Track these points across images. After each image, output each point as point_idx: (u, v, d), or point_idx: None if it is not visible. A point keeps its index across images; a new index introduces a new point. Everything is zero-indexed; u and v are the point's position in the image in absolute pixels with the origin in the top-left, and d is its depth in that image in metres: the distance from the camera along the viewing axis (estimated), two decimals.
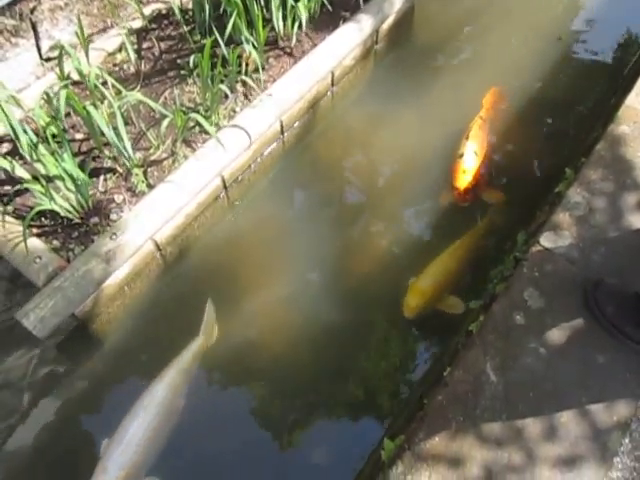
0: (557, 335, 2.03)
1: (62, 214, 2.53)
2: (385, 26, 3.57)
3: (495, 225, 2.80)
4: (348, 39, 3.29)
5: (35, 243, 2.47)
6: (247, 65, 3.07)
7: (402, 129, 3.28)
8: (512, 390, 1.88)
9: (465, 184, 2.81)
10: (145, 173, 2.72)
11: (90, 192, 2.60)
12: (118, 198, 2.65)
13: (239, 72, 3.01)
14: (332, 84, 3.37)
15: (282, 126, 3.09)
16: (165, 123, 2.70)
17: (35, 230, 2.56)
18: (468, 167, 2.86)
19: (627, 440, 1.87)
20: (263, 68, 3.14)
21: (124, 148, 2.62)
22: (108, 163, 2.75)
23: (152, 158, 2.78)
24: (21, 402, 2.56)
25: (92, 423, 2.49)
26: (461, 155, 2.90)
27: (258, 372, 2.54)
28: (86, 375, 2.63)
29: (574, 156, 2.87)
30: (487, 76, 3.49)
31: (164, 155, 2.80)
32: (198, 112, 2.85)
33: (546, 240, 2.30)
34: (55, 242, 2.54)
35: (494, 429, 1.82)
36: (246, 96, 3.06)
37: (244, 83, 3.09)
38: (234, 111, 2.99)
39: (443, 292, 2.51)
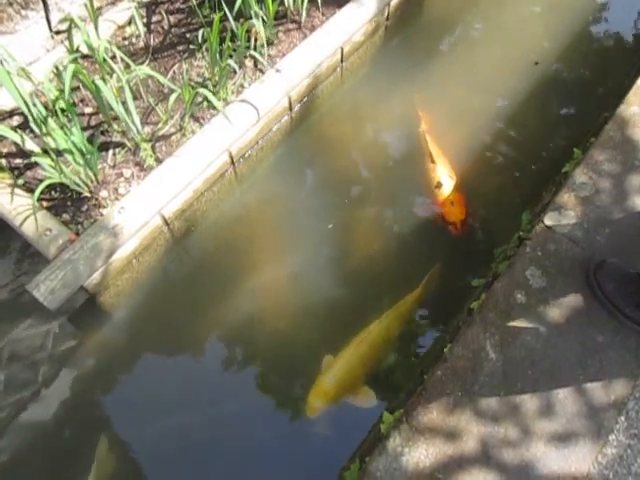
0: (557, 314, 2.05)
1: (71, 187, 2.56)
2: (396, 1, 3.52)
3: (430, 290, 2.58)
4: (359, 14, 3.25)
5: (45, 216, 2.52)
6: (256, 40, 3.05)
7: (410, 107, 3.25)
8: (510, 367, 1.92)
9: (459, 216, 2.66)
10: (153, 148, 2.74)
11: (99, 166, 2.63)
12: (127, 172, 2.68)
13: (248, 47, 3.00)
14: (341, 60, 3.34)
15: (290, 102, 3.08)
16: (173, 98, 2.71)
17: (45, 203, 2.60)
18: (453, 196, 2.69)
19: (623, 418, 1.91)
20: (272, 43, 3.12)
21: (132, 122, 2.64)
22: (117, 137, 2.77)
23: (160, 133, 2.80)
24: (36, 375, 2.63)
25: (102, 395, 2.57)
26: (439, 185, 2.73)
27: (259, 347, 2.59)
28: (95, 347, 2.70)
29: (583, 137, 2.85)
30: (499, 55, 3.45)
31: (172, 130, 2.82)
32: (206, 87, 2.85)
33: (550, 220, 2.30)
34: (65, 215, 2.58)
35: (491, 405, 1.86)
36: (254, 72, 3.05)
37: (253, 58, 3.07)
38: (242, 86, 2.98)
39: (355, 384, 2.33)
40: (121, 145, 2.75)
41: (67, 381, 2.60)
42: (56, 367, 2.64)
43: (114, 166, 2.70)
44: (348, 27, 3.23)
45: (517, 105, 3.25)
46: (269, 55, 3.10)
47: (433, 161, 2.80)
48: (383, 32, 3.60)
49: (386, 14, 3.54)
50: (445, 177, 2.77)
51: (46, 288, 2.33)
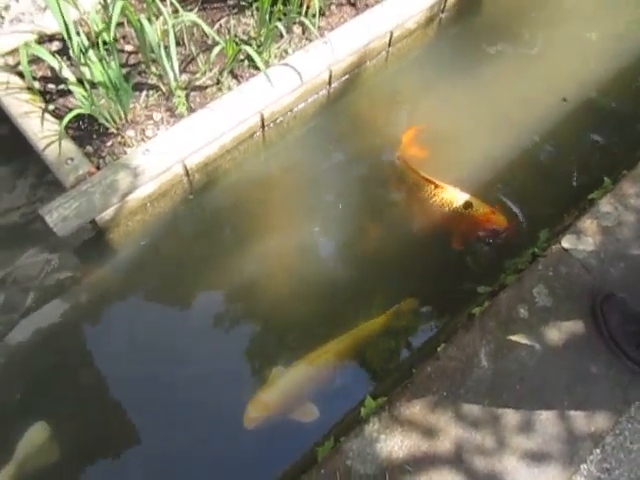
0: (556, 336, 2.04)
1: (100, 121, 2.56)
2: None
3: (400, 321, 2.51)
4: (415, 2, 3.19)
5: (69, 145, 2.52)
6: (308, 8, 3.00)
7: (449, 105, 3.21)
8: (500, 378, 1.92)
9: (505, 220, 2.57)
10: (187, 96, 2.73)
11: (130, 105, 2.62)
12: (156, 116, 2.67)
13: (299, 13, 2.96)
14: (389, 44, 3.29)
15: (331, 76, 3.05)
16: (216, 50, 2.69)
17: (71, 132, 2.60)
18: (487, 206, 2.60)
19: (598, 451, 1.91)
20: (323, 14, 3.08)
21: (171, 68, 2.62)
22: (153, 80, 2.75)
23: (197, 83, 2.78)
24: (26, 300, 2.65)
25: (91, 330, 2.58)
26: (468, 205, 2.58)
27: (253, 312, 2.59)
28: (94, 283, 2.72)
29: (615, 168, 2.80)
30: (543, 72, 3.37)
31: (209, 82, 2.80)
32: (250, 46, 2.82)
33: (568, 242, 2.28)
34: (88, 147, 2.58)
35: (473, 411, 1.87)
36: (301, 39, 3.01)
37: (301, 25, 3.03)
38: (286, 52, 2.95)
39: (299, 401, 2.26)
40: (155, 88, 2.74)
41: (58, 310, 2.61)
42: (50, 295, 2.65)
43: (145, 108, 2.69)
44: (402, 12, 3.18)
45: (553, 123, 3.19)
46: (318, 26, 3.05)
47: (438, 186, 2.62)
48: (436, 24, 3.53)
49: (442, 7, 3.48)
50: (463, 194, 2.63)
51: (58, 215, 2.34)
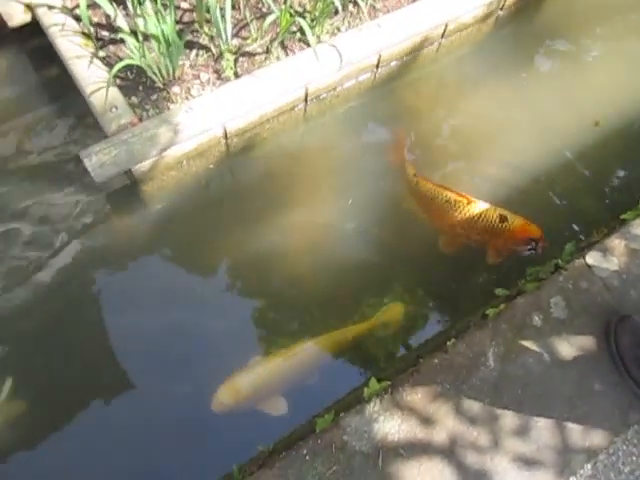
0: (566, 349, 2.05)
1: (148, 74, 2.60)
2: None
3: (387, 325, 2.49)
4: None
5: (115, 94, 2.57)
6: None
7: (494, 105, 3.17)
8: (504, 380, 1.95)
9: (539, 230, 2.52)
10: (236, 61, 2.75)
11: (179, 62, 2.65)
12: (203, 77, 2.70)
13: None
14: (442, 36, 3.26)
15: (379, 60, 3.03)
16: (270, 19, 2.70)
17: (118, 81, 2.64)
18: (520, 217, 2.55)
19: (589, 466, 1.93)
20: None
21: (224, 30, 2.64)
22: (204, 40, 2.78)
23: (247, 49, 2.80)
24: (53, 238, 2.72)
25: (110, 275, 2.67)
26: (503, 218, 2.50)
27: (269, 282, 2.65)
28: (121, 230, 2.80)
29: None
30: (595, 85, 3.30)
31: (259, 50, 2.81)
32: (304, 19, 2.82)
33: (592, 259, 2.27)
34: (133, 98, 2.63)
35: (473, 407, 1.90)
36: (355, 19, 3.00)
37: (357, 5, 3.01)
38: (338, 30, 2.94)
39: (270, 393, 2.26)
40: (206, 49, 2.77)
41: (82, 252, 2.70)
42: (77, 237, 2.73)
43: (193, 67, 2.72)
44: (459, 5, 3.13)
45: (596, 137, 3.14)
46: (374, 7, 3.03)
47: (470, 201, 2.55)
48: (492, 21, 3.48)
49: (502, 4, 3.42)
50: (493, 207, 2.55)
51: (97, 161, 2.40)
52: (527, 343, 2.02)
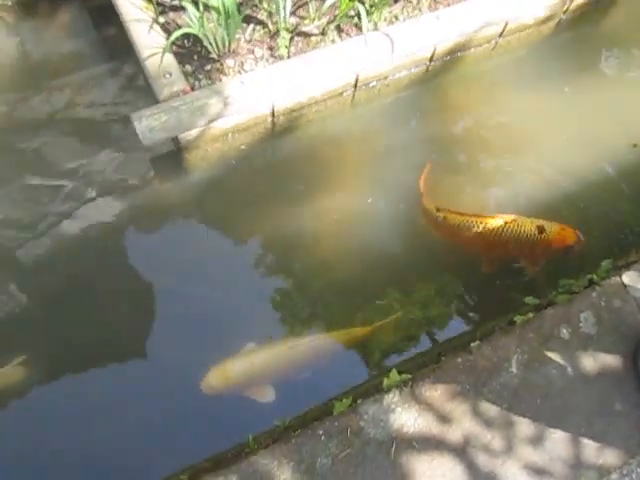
0: (591, 365, 2.04)
1: (204, 44, 2.62)
2: (581, 1, 3.29)
3: (384, 334, 2.47)
4: None
5: (170, 60, 2.60)
6: None
7: (542, 111, 3.10)
8: (524, 388, 1.95)
9: (575, 235, 2.52)
10: (291, 40, 2.75)
11: (236, 36, 2.67)
12: (258, 52, 2.71)
13: None
14: (500, 34, 3.19)
15: (434, 53, 3.00)
16: (330, 1, 2.68)
17: (174, 49, 2.67)
18: (556, 224, 2.54)
19: None
20: None
21: (283, 7, 2.64)
22: (262, 16, 2.78)
23: (303, 29, 2.80)
24: (91, 194, 2.79)
25: (140, 237, 2.74)
26: (541, 229, 2.48)
27: (294, 262, 2.68)
28: (159, 194, 2.84)
29: None
30: None
31: (315, 31, 2.81)
32: (364, 4, 2.79)
33: (628, 278, 2.23)
34: (187, 67, 2.66)
35: (491, 411, 1.91)
36: (414, 9, 2.96)
37: None
38: (396, 18, 2.91)
39: (260, 382, 2.28)
40: (263, 25, 2.77)
41: (117, 211, 2.76)
42: (115, 195, 2.79)
43: (249, 42, 2.73)
44: (522, 5, 3.06)
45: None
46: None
47: (507, 220, 2.52)
48: (554, 25, 3.39)
49: (566, 8, 3.33)
50: (529, 220, 2.53)
51: (147, 124, 2.44)
52: (552, 354, 2.01)
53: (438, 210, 2.60)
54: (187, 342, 2.41)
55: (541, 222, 2.52)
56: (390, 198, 2.84)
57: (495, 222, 2.51)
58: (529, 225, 2.49)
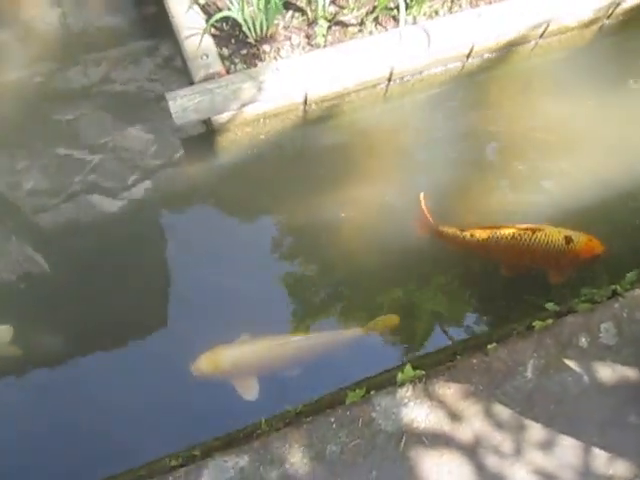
0: (608, 375, 2.02)
1: (242, 28, 2.63)
2: (626, 6, 3.21)
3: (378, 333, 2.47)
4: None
5: (208, 42, 2.62)
6: None
7: (579, 116, 3.05)
8: (538, 393, 1.95)
9: (601, 245, 2.49)
10: (328, 29, 2.74)
11: (274, 21, 2.67)
12: (295, 39, 2.71)
13: None
14: (541, 35, 3.13)
15: (471, 51, 2.96)
16: None
17: (213, 31, 2.69)
18: (582, 234, 2.51)
19: None
20: None
21: None
22: (301, 3, 2.78)
23: (341, 18, 2.79)
24: (117, 169, 2.84)
25: (166, 219, 2.79)
26: (568, 239, 2.45)
27: (316, 250, 2.69)
28: (186, 174, 2.88)
29: None
30: None
31: (352, 21, 2.80)
32: None
33: None
34: (224, 50, 2.68)
35: (503, 413, 1.92)
36: (453, 5, 2.92)
37: None
38: (436, 13, 2.88)
39: (247, 374, 2.32)
40: (302, 12, 2.77)
41: (143, 188, 2.81)
42: (143, 172, 2.83)
43: (287, 28, 2.74)
44: (565, 7, 3.00)
45: None
46: None
47: (535, 230, 2.49)
48: (597, 29, 3.31)
49: (610, 12, 3.25)
50: (557, 230, 2.50)
51: (181, 104, 2.47)
52: (569, 362, 2.01)
53: (462, 230, 2.57)
54: (200, 323, 2.45)
55: (568, 232, 2.49)
56: (415, 193, 2.82)
57: (522, 232, 2.49)
58: (556, 235, 2.47)
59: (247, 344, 2.38)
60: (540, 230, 2.49)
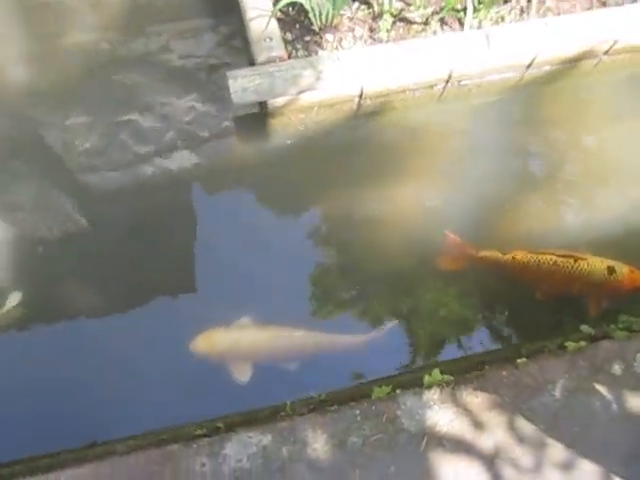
0: (638, 406, 2.00)
1: (308, 15, 2.64)
2: None
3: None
4: None
5: (273, 25, 2.64)
6: None
7: (636, 142, 2.98)
8: (565, 414, 1.93)
9: None
10: (393, 24, 2.74)
11: (340, 12, 2.67)
12: (358, 31, 2.71)
13: None
14: (606, 52, 3.06)
15: (533, 61, 2.92)
16: None
17: (278, 14, 2.70)
18: (625, 266, 2.45)
19: None
20: None
21: None
22: None
23: (407, 15, 2.78)
24: (165, 137, 2.88)
25: (203, 193, 2.83)
26: (610, 270, 2.41)
27: (353, 246, 2.69)
28: (234, 153, 2.91)
29: None
30: None
31: (417, 19, 2.79)
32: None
33: None
34: (288, 35, 2.70)
35: (526, 428, 1.91)
36: (522, 13, 2.88)
37: None
38: (502, 19, 2.85)
39: (242, 359, 2.32)
40: (368, 5, 2.77)
41: (188, 161, 2.85)
42: (190, 144, 2.88)
43: (351, 19, 2.74)
44: (634, 25, 2.92)
45: None
46: (546, 6, 2.90)
47: (578, 258, 2.43)
48: None
49: None
50: (599, 259, 2.45)
51: (241, 84, 2.50)
52: (600, 387, 1.99)
53: (504, 254, 2.53)
54: (224, 301, 2.49)
55: (611, 262, 2.44)
56: (458, 198, 2.82)
57: (564, 260, 2.44)
58: (599, 265, 2.42)
59: (245, 330, 2.40)
60: (583, 259, 2.44)
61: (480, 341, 2.53)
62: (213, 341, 2.35)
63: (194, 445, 1.80)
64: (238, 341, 2.38)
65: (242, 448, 1.79)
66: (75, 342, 2.45)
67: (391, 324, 2.47)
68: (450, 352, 2.48)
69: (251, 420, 1.97)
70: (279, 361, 2.38)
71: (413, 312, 2.58)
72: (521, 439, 1.91)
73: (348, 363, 2.44)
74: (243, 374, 2.29)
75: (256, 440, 1.80)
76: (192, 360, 2.34)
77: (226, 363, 2.33)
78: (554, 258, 2.46)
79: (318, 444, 1.79)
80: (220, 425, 1.93)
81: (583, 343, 2.12)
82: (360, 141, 2.91)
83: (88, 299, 2.61)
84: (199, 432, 1.89)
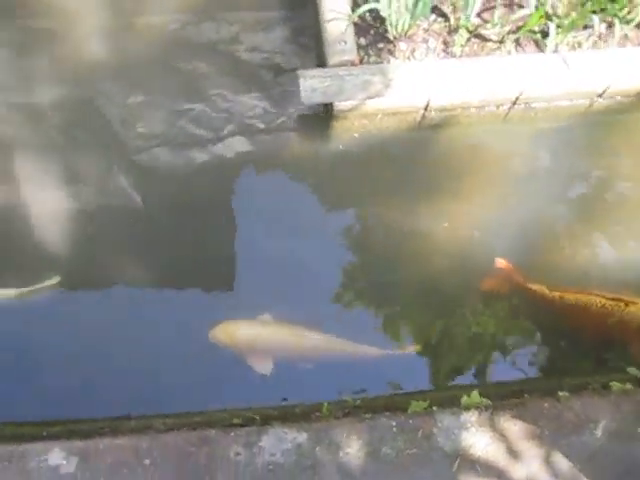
0: None
1: (385, 23, 2.65)
2: None
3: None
4: None
5: (349, 29, 2.66)
6: (629, 12, 2.77)
7: None
8: (604, 455, 1.90)
9: None
10: (467, 40, 2.72)
11: (417, 22, 2.67)
12: (431, 44, 2.71)
13: (603, 10, 2.73)
14: None
15: (605, 90, 2.85)
16: (522, 13, 2.62)
17: (356, 20, 2.71)
18: None
19: None
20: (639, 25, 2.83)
21: (472, 5, 2.61)
22: (447, 9, 2.76)
23: (482, 32, 2.75)
24: (223, 129, 2.92)
25: (254, 186, 2.85)
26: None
27: (393, 260, 2.69)
28: (290, 152, 2.93)
29: None
30: None
31: (493, 37, 2.76)
32: (553, 22, 2.69)
33: None
34: (362, 40, 2.71)
35: (562, 464, 1.89)
36: (600, 39, 2.81)
37: (610, 27, 2.82)
38: (579, 45, 2.79)
39: (263, 352, 2.34)
40: (445, 17, 2.76)
41: (242, 153, 2.88)
42: (246, 138, 2.91)
43: (426, 31, 2.73)
44: None
45: None
46: (626, 36, 2.83)
47: (627, 302, 2.35)
48: None
49: None
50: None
51: (311, 84, 2.53)
52: None
53: (551, 290, 2.47)
54: (256, 291, 2.53)
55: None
56: (510, 220, 2.78)
57: (613, 303, 2.35)
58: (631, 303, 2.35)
59: (265, 326, 2.43)
60: (634, 303, 2.35)
61: (519, 368, 2.50)
62: (232, 333, 2.37)
63: (232, 433, 1.84)
64: (257, 335, 2.42)
65: (277, 443, 1.82)
66: (109, 314, 2.52)
67: (414, 347, 2.46)
68: (487, 376, 2.46)
69: (286, 415, 2.00)
70: (295, 360, 2.40)
71: (450, 331, 2.57)
72: (556, 475, 1.88)
73: (381, 372, 2.45)
74: (264, 368, 2.31)
75: (291, 437, 1.83)
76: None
77: (245, 356, 2.35)
78: (603, 300, 2.37)
79: (351, 449, 1.81)
80: (256, 417, 1.96)
81: (629, 386, 2.07)
82: (419, 152, 2.90)
83: (131, 274, 2.68)
84: (235, 421, 1.92)
